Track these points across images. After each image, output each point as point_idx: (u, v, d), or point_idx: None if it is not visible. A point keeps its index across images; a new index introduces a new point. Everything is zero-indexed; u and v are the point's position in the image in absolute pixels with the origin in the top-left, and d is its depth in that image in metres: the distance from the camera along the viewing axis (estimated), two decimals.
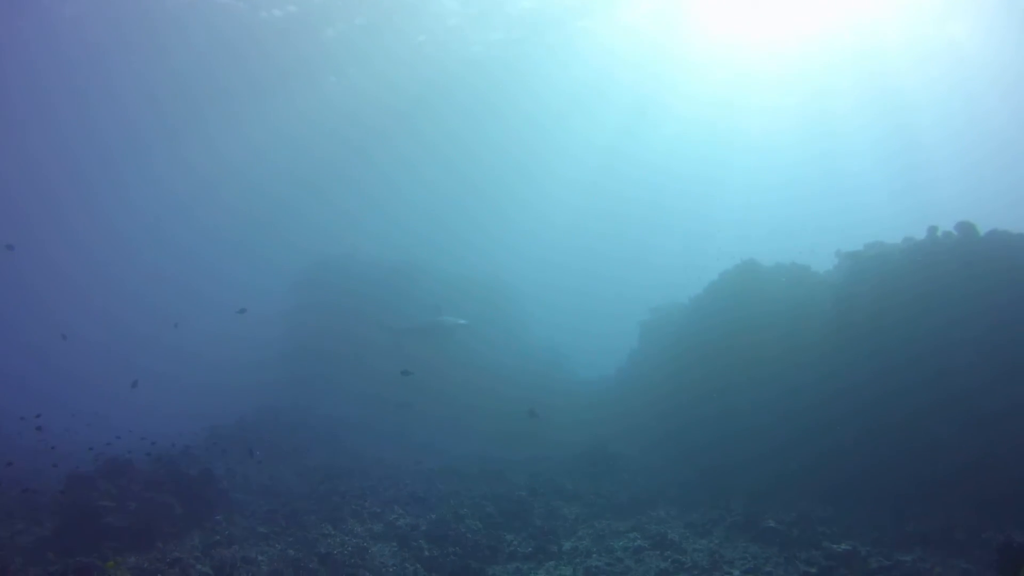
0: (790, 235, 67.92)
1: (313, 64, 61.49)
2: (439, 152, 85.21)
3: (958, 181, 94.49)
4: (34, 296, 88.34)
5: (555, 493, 25.96)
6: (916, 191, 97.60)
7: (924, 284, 24.45)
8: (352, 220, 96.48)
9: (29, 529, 21.44)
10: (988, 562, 16.35)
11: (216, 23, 53.66)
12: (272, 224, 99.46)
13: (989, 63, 61.26)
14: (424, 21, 56.32)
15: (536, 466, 30.83)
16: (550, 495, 25.64)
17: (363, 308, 46.31)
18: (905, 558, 17.78)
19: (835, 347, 25.63)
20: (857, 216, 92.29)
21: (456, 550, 20.32)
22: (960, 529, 19.21)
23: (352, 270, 50.56)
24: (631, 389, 35.95)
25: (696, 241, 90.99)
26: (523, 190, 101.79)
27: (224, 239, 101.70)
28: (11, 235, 50.55)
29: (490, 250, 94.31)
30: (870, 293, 25.54)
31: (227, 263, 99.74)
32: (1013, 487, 20.13)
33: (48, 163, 79.37)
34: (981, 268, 23.82)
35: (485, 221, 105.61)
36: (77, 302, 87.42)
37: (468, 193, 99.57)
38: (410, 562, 19.56)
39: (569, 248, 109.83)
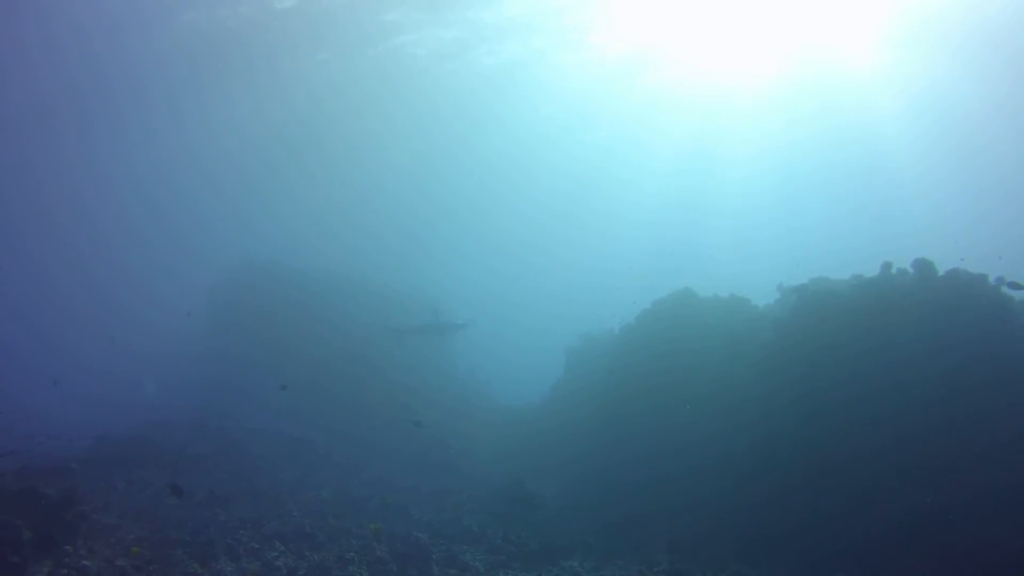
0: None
1: (246, 70, 58.87)
2: (373, 165, 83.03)
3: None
4: None
5: (459, 536, 23.40)
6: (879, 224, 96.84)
7: (874, 322, 22.55)
8: (279, 228, 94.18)
9: None
10: None
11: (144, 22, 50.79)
12: (193, 230, 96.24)
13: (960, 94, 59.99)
14: (369, 30, 53.85)
15: (445, 500, 28.41)
16: (453, 538, 23.11)
17: (282, 317, 44.75)
18: None
19: (774, 387, 23.55)
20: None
21: None
22: None
23: (271, 280, 48.18)
24: (553, 421, 33.66)
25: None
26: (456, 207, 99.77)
27: (142, 244, 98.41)
28: None
29: (419, 266, 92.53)
30: (815, 329, 23.51)
31: (141, 270, 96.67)
32: (969, 543, 18.34)
33: None
34: (937, 308, 21.91)
35: (418, 235, 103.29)
36: None
37: (400, 208, 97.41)
38: None
39: (502, 273, 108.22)
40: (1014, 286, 22.03)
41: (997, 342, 21.48)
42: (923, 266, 23.33)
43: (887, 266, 24.19)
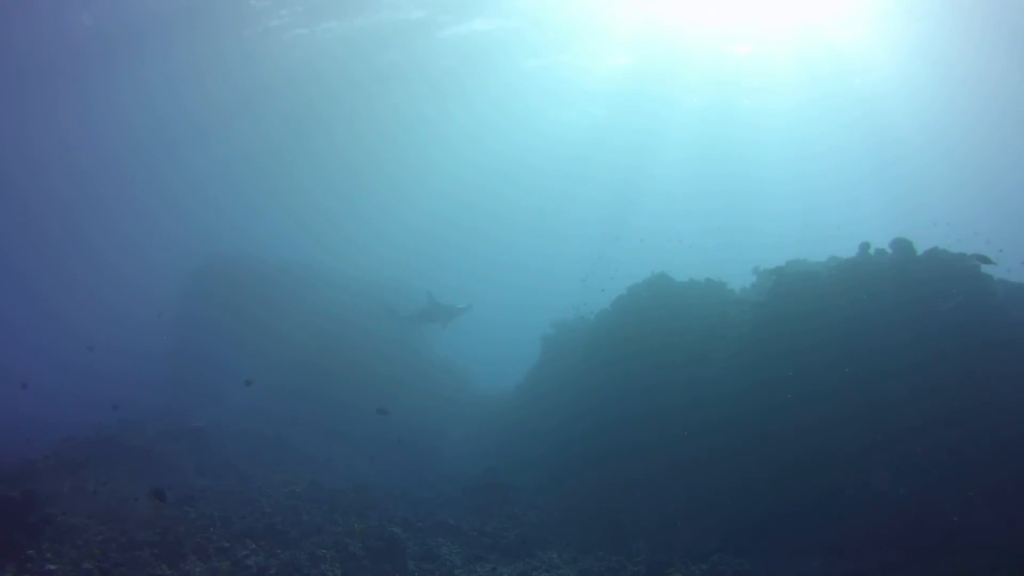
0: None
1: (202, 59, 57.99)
2: (332, 151, 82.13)
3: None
4: None
5: (435, 529, 22.93)
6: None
7: (854, 305, 22.18)
8: (242, 219, 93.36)
9: None
10: None
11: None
12: (158, 221, 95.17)
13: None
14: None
15: (420, 493, 27.90)
16: (428, 531, 22.64)
17: (251, 311, 44.01)
18: None
19: (752, 372, 23.19)
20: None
21: None
22: None
23: (240, 271, 47.34)
24: (529, 411, 33.04)
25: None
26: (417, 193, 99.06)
27: (106, 234, 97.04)
28: None
29: (388, 252, 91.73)
30: (793, 312, 23.13)
31: (110, 260, 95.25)
32: (952, 537, 18.06)
33: None
34: (916, 288, 21.58)
35: (381, 223, 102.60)
36: None
37: (364, 193, 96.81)
38: None
39: (476, 254, 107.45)
40: (980, 259, 21.74)
41: (977, 322, 21.20)
42: (902, 246, 23.01)
43: (865, 246, 23.85)
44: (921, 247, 23.16)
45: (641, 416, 24.97)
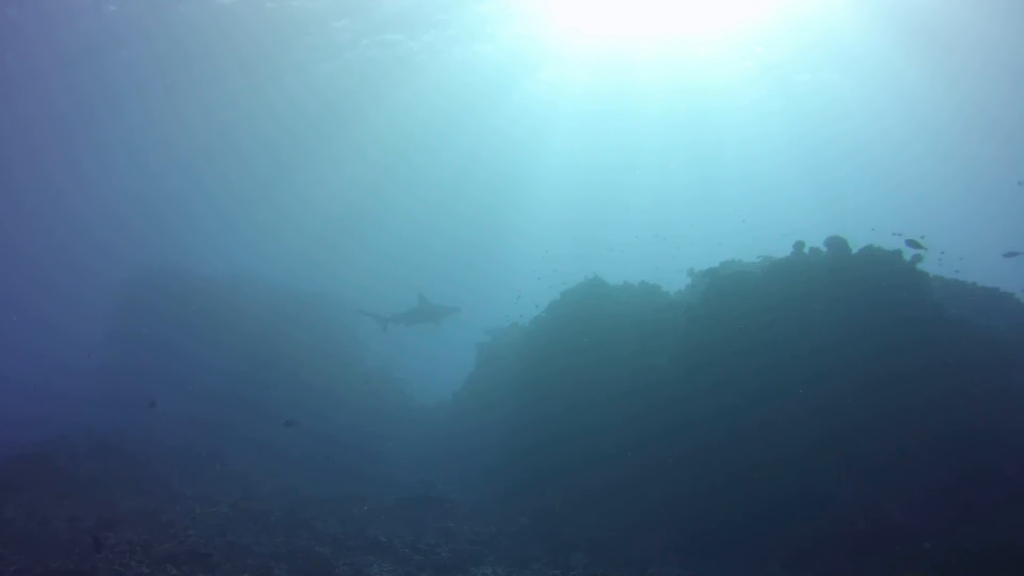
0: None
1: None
2: (266, 160, 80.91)
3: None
4: None
5: (366, 547, 22.13)
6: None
7: (787, 303, 21.85)
8: (179, 231, 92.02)
9: None
10: None
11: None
12: (93, 233, 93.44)
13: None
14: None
15: (352, 509, 27.05)
16: (359, 550, 21.84)
17: (184, 323, 43.35)
18: None
19: (688, 375, 22.80)
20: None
21: None
22: None
23: (173, 283, 46.39)
24: (465, 421, 32.54)
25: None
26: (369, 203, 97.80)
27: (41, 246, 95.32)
28: None
29: (324, 262, 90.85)
30: (728, 313, 22.73)
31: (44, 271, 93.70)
32: (897, 538, 17.87)
33: None
34: (852, 288, 21.25)
35: (320, 232, 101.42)
36: None
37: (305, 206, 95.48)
38: None
39: (415, 264, 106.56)
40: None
41: (914, 319, 20.96)
42: (836, 244, 22.71)
43: (799, 245, 23.51)
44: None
45: (577, 425, 24.58)
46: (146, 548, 21.35)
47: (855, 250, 22.68)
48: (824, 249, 23.04)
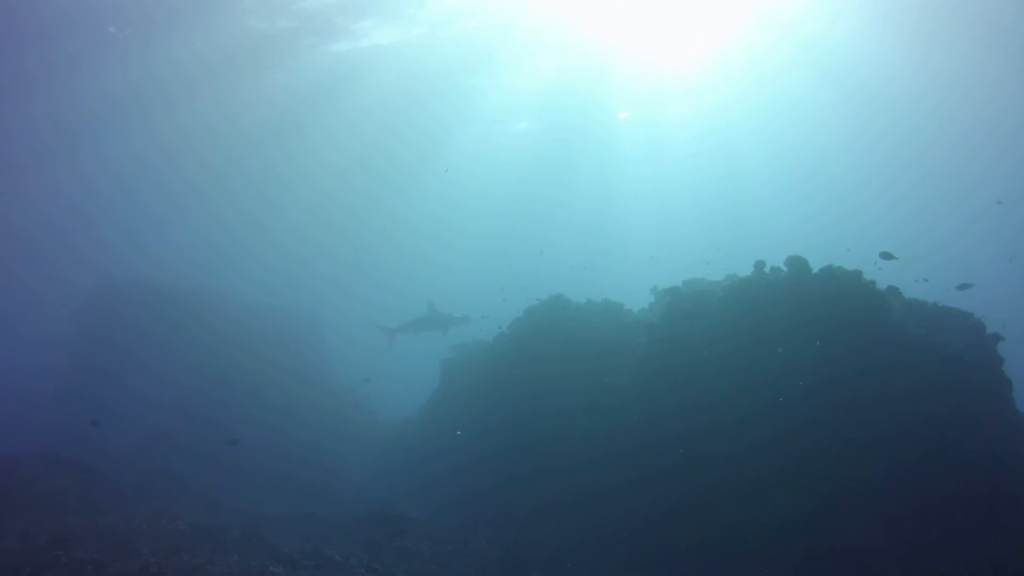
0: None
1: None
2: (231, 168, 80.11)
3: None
4: None
5: (321, 567, 21.83)
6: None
7: (748, 322, 21.94)
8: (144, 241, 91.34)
9: None
10: None
11: None
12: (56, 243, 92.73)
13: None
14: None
15: (310, 527, 26.74)
16: (314, 569, 21.57)
17: (147, 336, 42.71)
18: None
19: (648, 393, 22.75)
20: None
21: None
22: None
23: (142, 295, 45.71)
24: (428, 437, 32.27)
25: None
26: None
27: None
28: None
29: (296, 276, 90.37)
30: (689, 332, 22.65)
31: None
32: (855, 562, 18.05)
33: None
34: (812, 306, 21.24)
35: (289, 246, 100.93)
36: None
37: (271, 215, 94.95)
38: None
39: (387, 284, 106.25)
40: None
41: (872, 339, 20.91)
42: (797, 264, 22.64)
43: (760, 265, 23.48)
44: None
45: (537, 444, 24.53)
46: (98, 567, 21.05)
47: (815, 270, 22.65)
48: (785, 269, 22.97)
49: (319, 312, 51.64)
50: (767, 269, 23.40)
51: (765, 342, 21.50)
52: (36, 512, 27.17)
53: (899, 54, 54.85)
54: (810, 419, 20.20)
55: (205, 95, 59.37)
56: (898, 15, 49.46)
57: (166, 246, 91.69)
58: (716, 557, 19.65)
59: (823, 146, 76.65)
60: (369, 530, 25.51)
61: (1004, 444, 19.73)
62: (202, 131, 67.36)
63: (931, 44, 52.59)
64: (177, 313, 44.37)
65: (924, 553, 17.65)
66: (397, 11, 51.19)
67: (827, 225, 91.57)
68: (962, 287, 23.93)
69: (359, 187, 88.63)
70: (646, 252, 65.18)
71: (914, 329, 22.05)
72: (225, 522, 26.86)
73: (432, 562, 22.69)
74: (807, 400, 20.50)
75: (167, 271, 56.05)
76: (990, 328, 22.73)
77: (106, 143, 68.18)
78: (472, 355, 34.11)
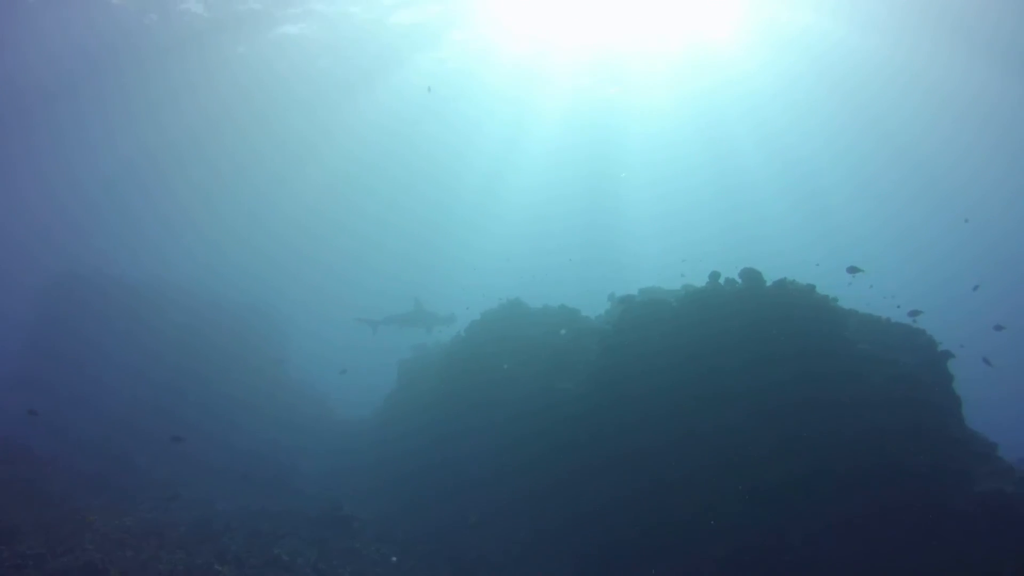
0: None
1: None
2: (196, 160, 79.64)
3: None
4: None
5: (267, 565, 21.74)
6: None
7: (700, 333, 21.93)
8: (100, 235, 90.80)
9: None
10: None
11: None
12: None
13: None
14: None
15: (262, 525, 26.60)
16: (260, 568, 21.50)
17: (103, 330, 42.58)
18: None
19: (599, 400, 22.79)
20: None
21: None
22: None
23: (99, 286, 45.54)
24: (382, 439, 32.18)
25: None
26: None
27: None
28: None
29: (260, 271, 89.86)
30: (641, 340, 22.66)
31: None
32: (796, 565, 18.25)
33: None
34: (763, 318, 21.35)
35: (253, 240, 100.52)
36: None
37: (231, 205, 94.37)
38: None
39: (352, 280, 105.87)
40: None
41: (825, 353, 20.98)
42: (750, 276, 22.68)
43: (715, 275, 23.49)
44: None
45: (489, 447, 24.50)
46: (39, 562, 20.86)
47: (769, 282, 22.70)
48: (739, 280, 23.02)
49: (282, 308, 51.56)
50: (722, 280, 23.43)
51: (717, 354, 21.54)
52: None
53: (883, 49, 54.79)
54: (758, 428, 20.23)
55: (173, 68, 58.15)
56: (884, 11, 49.73)
57: (135, 237, 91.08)
58: (663, 559, 19.68)
59: (807, 135, 76.26)
60: (319, 529, 25.45)
61: (949, 459, 19.84)
62: (169, 115, 66.70)
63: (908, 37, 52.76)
64: (135, 305, 44.32)
65: (866, 561, 17.74)
66: None
67: (809, 220, 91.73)
68: (912, 313, 24.10)
69: (327, 179, 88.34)
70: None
71: (865, 345, 22.14)
72: (174, 517, 26.69)
73: (380, 564, 22.68)
74: (755, 409, 20.54)
75: (129, 264, 55.73)
76: (943, 346, 22.87)
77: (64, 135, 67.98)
78: (431, 357, 34.09)
